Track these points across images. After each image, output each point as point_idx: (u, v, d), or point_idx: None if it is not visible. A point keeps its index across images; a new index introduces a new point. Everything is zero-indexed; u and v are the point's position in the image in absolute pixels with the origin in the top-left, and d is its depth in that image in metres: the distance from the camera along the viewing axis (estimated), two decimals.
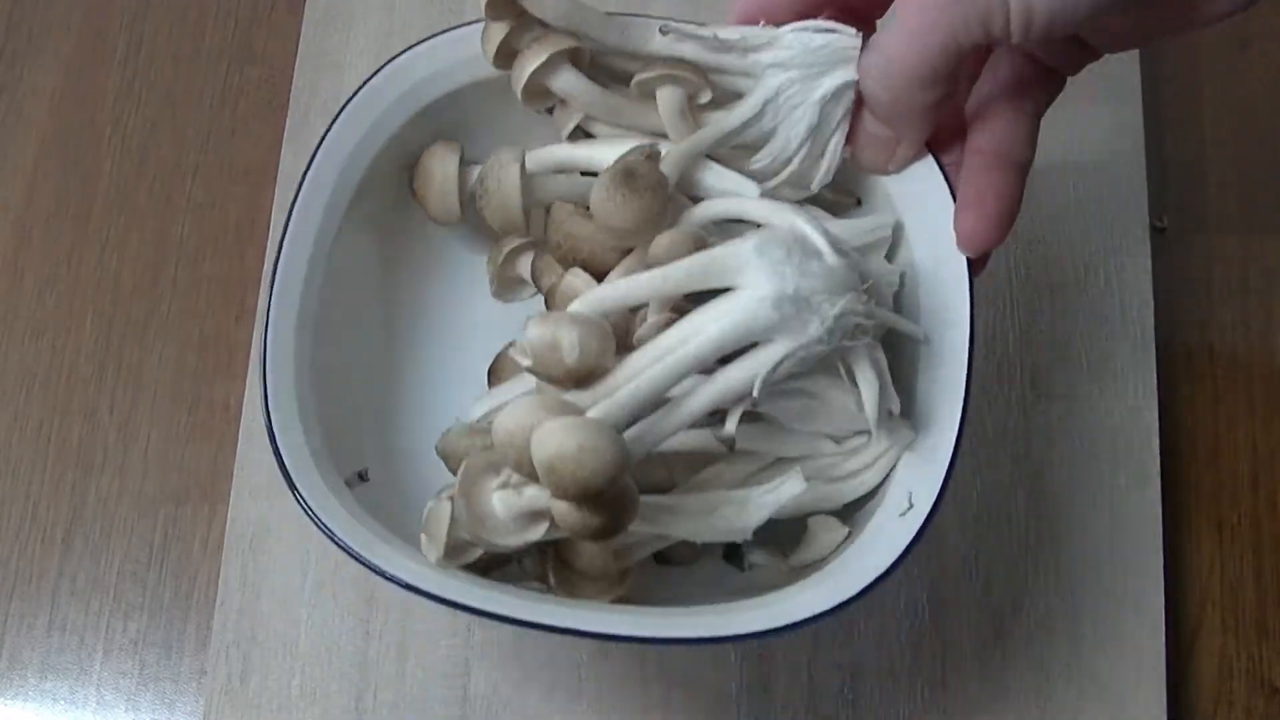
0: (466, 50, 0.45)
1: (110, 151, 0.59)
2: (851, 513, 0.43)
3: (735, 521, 0.40)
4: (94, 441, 0.54)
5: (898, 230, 0.44)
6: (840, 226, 0.43)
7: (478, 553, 0.40)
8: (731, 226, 0.43)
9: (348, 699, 0.49)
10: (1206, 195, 0.57)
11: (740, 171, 0.44)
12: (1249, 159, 0.57)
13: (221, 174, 0.58)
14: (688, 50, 0.42)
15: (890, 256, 0.44)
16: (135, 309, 0.56)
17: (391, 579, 0.38)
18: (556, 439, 0.34)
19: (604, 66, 0.45)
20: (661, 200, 0.41)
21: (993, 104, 0.43)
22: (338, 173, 0.44)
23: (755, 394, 0.37)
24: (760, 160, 0.43)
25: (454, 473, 0.40)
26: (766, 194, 0.43)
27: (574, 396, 0.37)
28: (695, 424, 0.39)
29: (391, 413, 0.47)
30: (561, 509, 0.36)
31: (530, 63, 0.43)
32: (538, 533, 0.38)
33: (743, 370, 0.37)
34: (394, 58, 0.45)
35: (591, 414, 0.36)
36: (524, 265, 0.47)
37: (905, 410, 0.41)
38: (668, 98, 0.43)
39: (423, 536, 0.40)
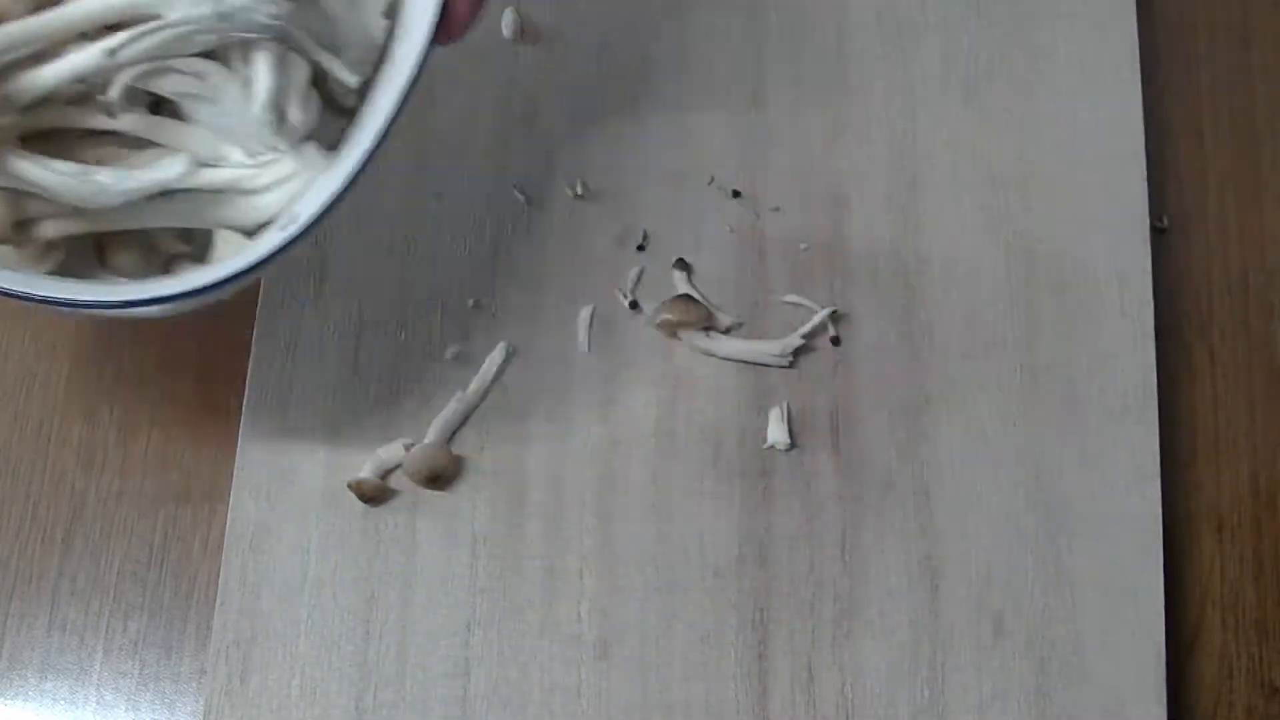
0: None
1: None
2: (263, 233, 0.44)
3: (114, 185, 0.41)
4: (94, 441, 0.54)
5: None
6: None
7: None
8: None
9: (348, 699, 0.49)
10: (1206, 195, 0.57)
11: None
12: (1249, 159, 0.57)
13: None
14: None
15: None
16: None
17: None
18: None
19: None
20: None
21: None
22: None
23: (120, 52, 0.39)
24: None
25: None
26: None
27: None
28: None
29: None
30: None
31: None
32: None
33: (124, 37, 0.39)
34: None
35: None
36: None
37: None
38: None
39: None
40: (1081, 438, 0.51)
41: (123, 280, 0.44)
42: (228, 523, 0.51)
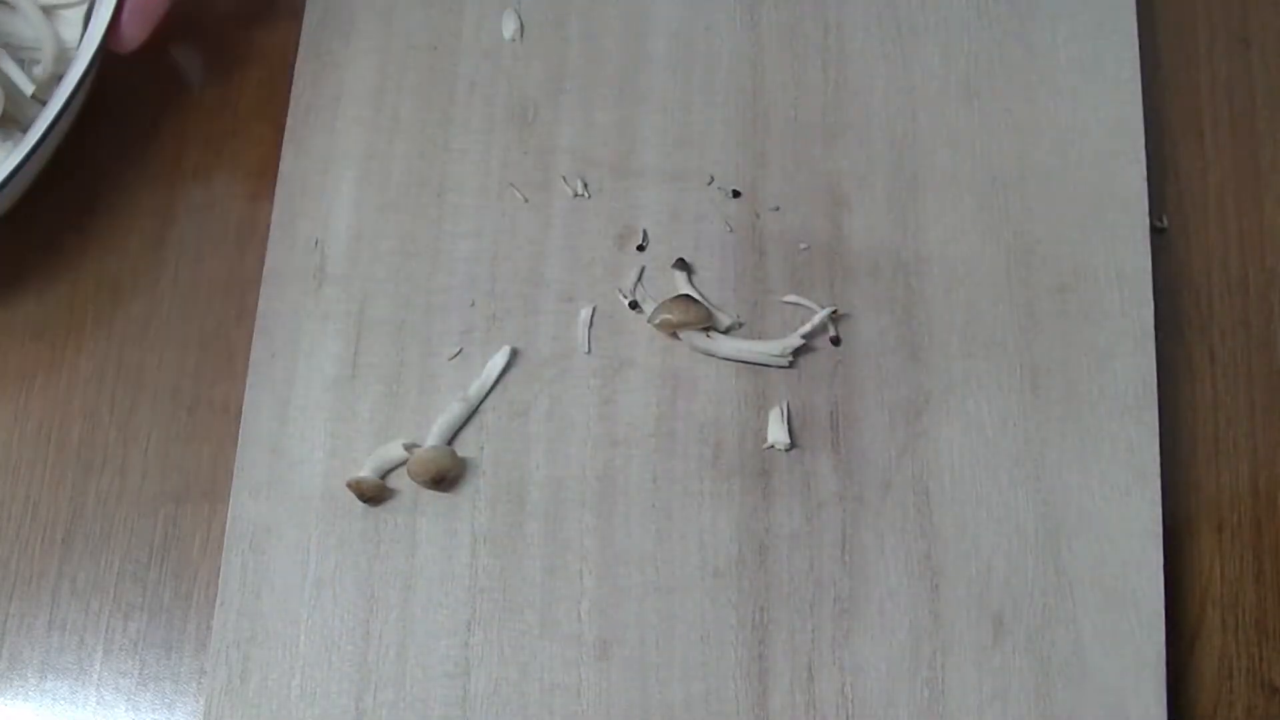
0: None
1: (111, 151, 0.59)
2: None
3: None
4: (94, 441, 0.54)
5: None
6: None
7: None
8: None
9: (348, 699, 0.49)
10: (1206, 195, 0.57)
11: None
12: (1249, 159, 0.57)
13: (221, 174, 0.58)
14: None
15: None
16: (135, 309, 0.56)
17: None
18: None
19: None
20: None
21: None
22: None
23: None
24: None
25: None
26: None
27: None
28: None
29: None
30: None
31: None
32: None
33: None
34: None
35: None
36: None
37: None
38: None
39: None
40: (1081, 438, 0.51)
41: None
42: (228, 523, 0.51)
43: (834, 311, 0.53)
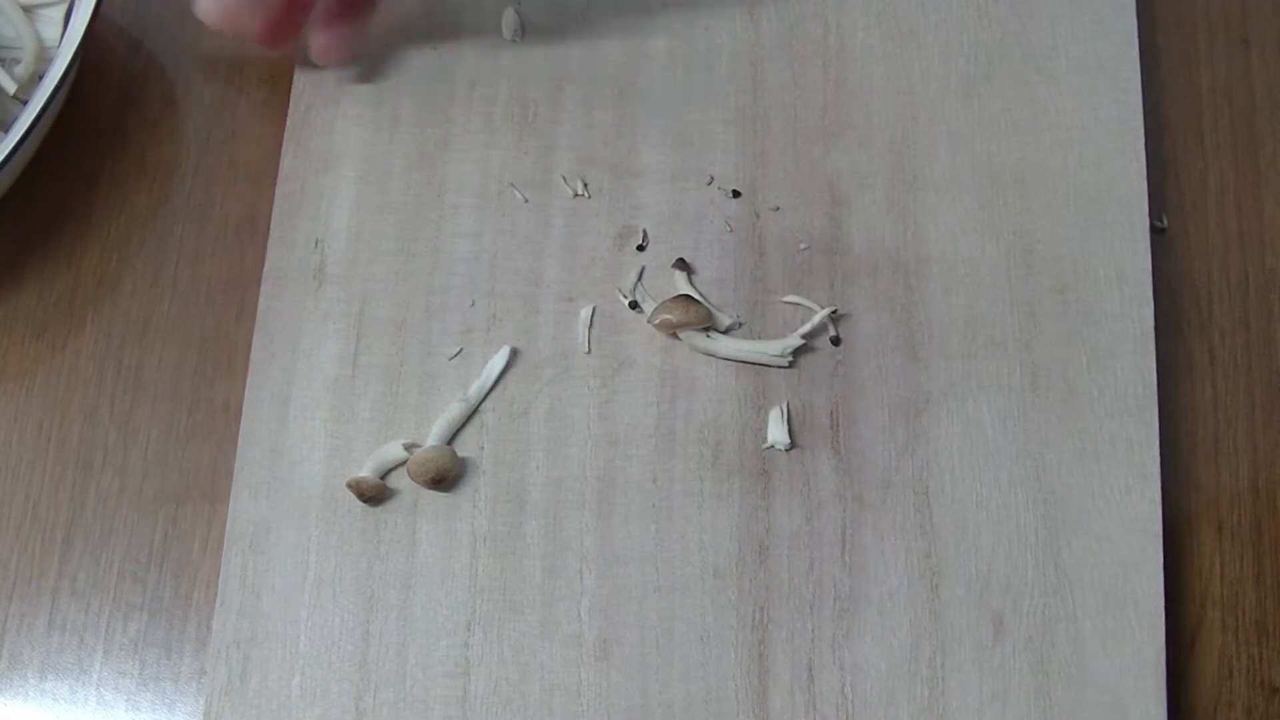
0: None
1: (110, 152, 0.59)
2: None
3: None
4: (94, 441, 0.54)
5: None
6: None
7: None
8: None
9: (348, 699, 0.49)
10: (1206, 195, 0.57)
11: None
12: (1249, 159, 0.57)
13: (221, 174, 0.58)
14: None
15: None
16: (135, 309, 0.56)
17: None
18: None
19: None
20: None
21: None
22: None
23: None
24: None
25: None
26: None
27: None
28: None
29: None
30: None
31: None
32: None
33: None
34: None
35: None
36: None
37: None
38: None
39: None
40: (1081, 438, 0.51)
41: None
42: (228, 523, 0.51)
43: (834, 311, 0.53)
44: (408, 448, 0.51)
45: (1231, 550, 0.52)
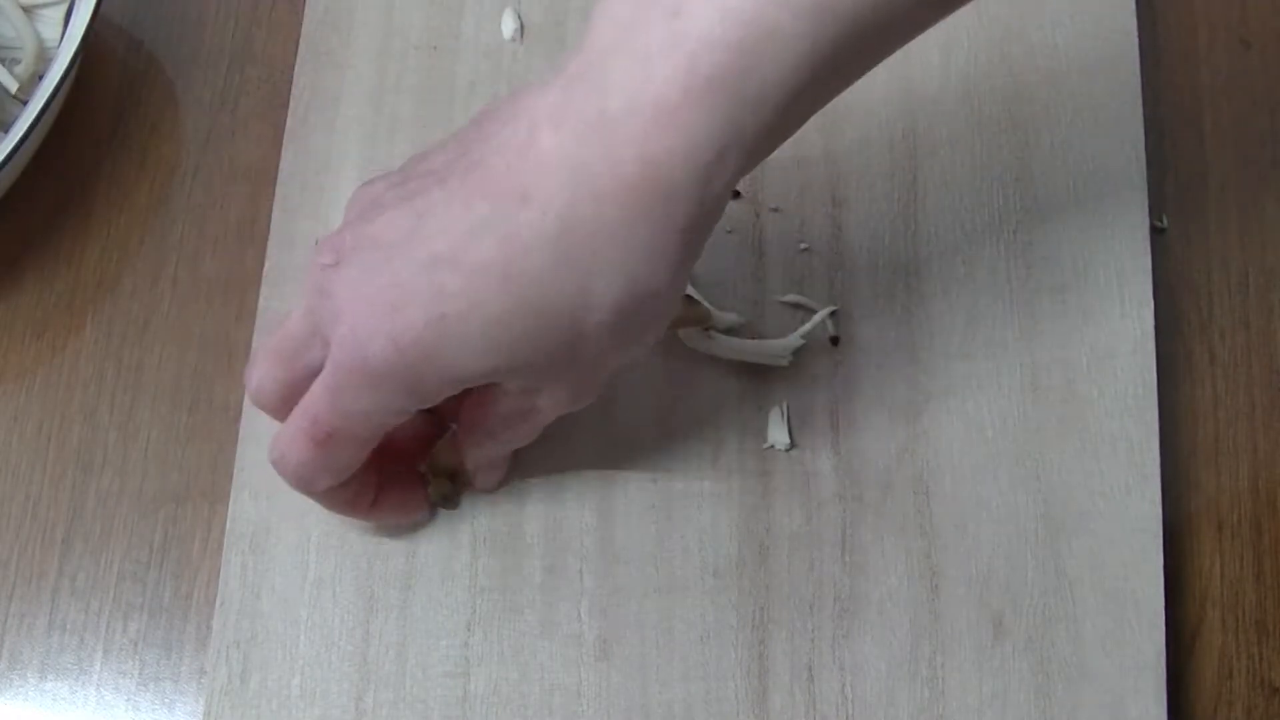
0: None
1: (110, 151, 0.59)
2: None
3: None
4: (94, 441, 0.54)
5: None
6: None
7: None
8: None
9: (348, 699, 0.49)
10: (1207, 195, 0.57)
11: None
12: (1249, 159, 0.57)
13: (221, 174, 0.58)
14: None
15: None
16: (135, 309, 0.56)
17: None
18: None
19: None
20: None
21: None
22: None
23: None
24: None
25: None
26: None
27: None
28: None
29: None
30: None
31: None
32: None
33: None
34: None
35: None
36: None
37: None
38: None
39: None
40: (1081, 438, 0.51)
41: None
42: (228, 523, 0.51)
43: (834, 311, 0.53)
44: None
45: (1231, 550, 0.52)
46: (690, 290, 0.53)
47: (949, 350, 0.52)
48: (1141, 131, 0.55)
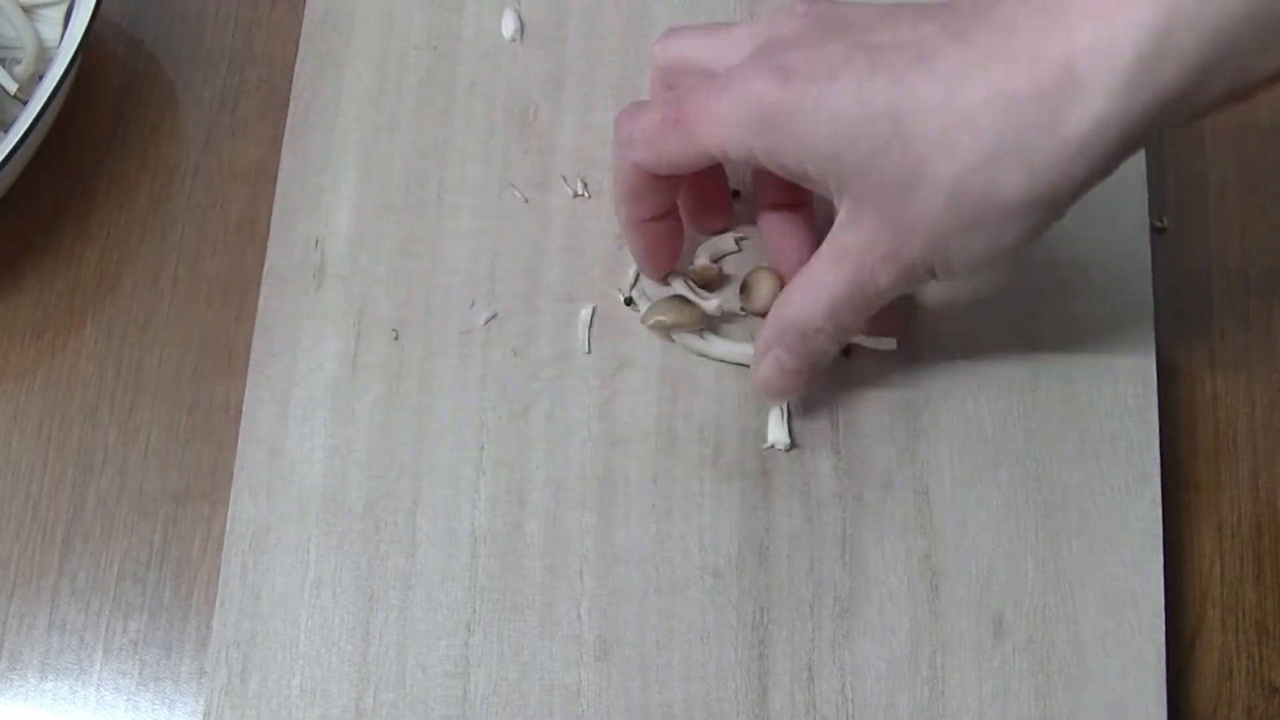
0: None
1: (110, 151, 0.59)
2: None
3: None
4: (94, 441, 0.54)
5: None
6: None
7: None
8: None
9: (348, 699, 0.49)
10: (1206, 195, 0.57)
11: None
12: (1249, 159, 0.57)
13: (221, 174, 0.58)
14: None
15: None
16: (135, 309, 0.56)
17: None
18: None
19: None
20: None
21: None
22: None
23: None
24: None
25: None
26: None
27: None
28: None
29: None
30: None
31: None
32: None
33: None
34: None
35: None
36: None
37: None
38: None
39: None
40: (1081, 438, 0.51)
41: None
42: (228, 523, 0.51)
43: None
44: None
45: (1231, 550, 0.52)
46: (686, 291, 0.53)
47: (949, 350, 0.52)
48: None
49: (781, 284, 0.50)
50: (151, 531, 0.53)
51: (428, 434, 0.51)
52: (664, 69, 0.49)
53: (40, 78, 0.54)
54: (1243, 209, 0.57)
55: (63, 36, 0.55)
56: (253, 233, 0.57)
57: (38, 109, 0.52)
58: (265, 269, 0.54)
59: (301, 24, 0.58)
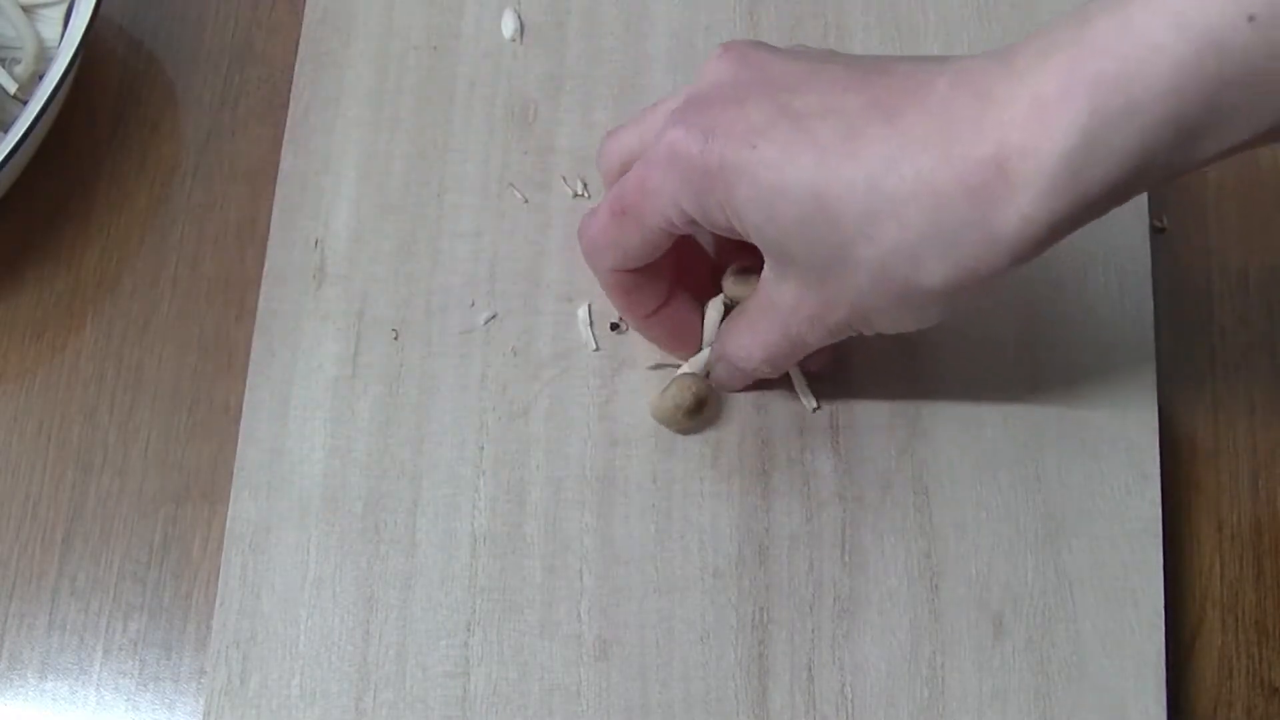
0: None
1: (110, 151, 0.59)
2: None
3: None
4: (94, 441, 0.54)
5: None
6: None
7: None
8: None
9: (348, 699, 0.49)
10: (1206, 195, 0.57)
11: None
12: (1249, 159, 0.57)
13: (221, 174, 0.58)
14: None
15: None
16: (135, 309, 0.56)
17: None
18: None
19: None
20: None
21: None
22: None
23: None
24: None
25: None
26: None
27: None
28: None
29: None
30: None
31: None
32: None
33: None
34: None
35: None
36: None
37: None
38: None
39: None
40: (1081, 438, 0.51)
41: None
42: (228, 523, 0.51)
43: None
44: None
45: (1231, 550, 0.52)
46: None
47: (949, 351, 0.52)
48: None
49: None
50: (151, 531, 0.53)
51: (427, 434, 0.51)
52: (608, 172, 0.49)
53: (40, 78, 0.54)
54: (1243, 209, 0.57)
55: (63, 36, 0.55)
56: (253, 233, 0.57)
57: (38, 109, 0.52)
58: (265, 269, 0.54)
59: (301, 24, 0.58)
